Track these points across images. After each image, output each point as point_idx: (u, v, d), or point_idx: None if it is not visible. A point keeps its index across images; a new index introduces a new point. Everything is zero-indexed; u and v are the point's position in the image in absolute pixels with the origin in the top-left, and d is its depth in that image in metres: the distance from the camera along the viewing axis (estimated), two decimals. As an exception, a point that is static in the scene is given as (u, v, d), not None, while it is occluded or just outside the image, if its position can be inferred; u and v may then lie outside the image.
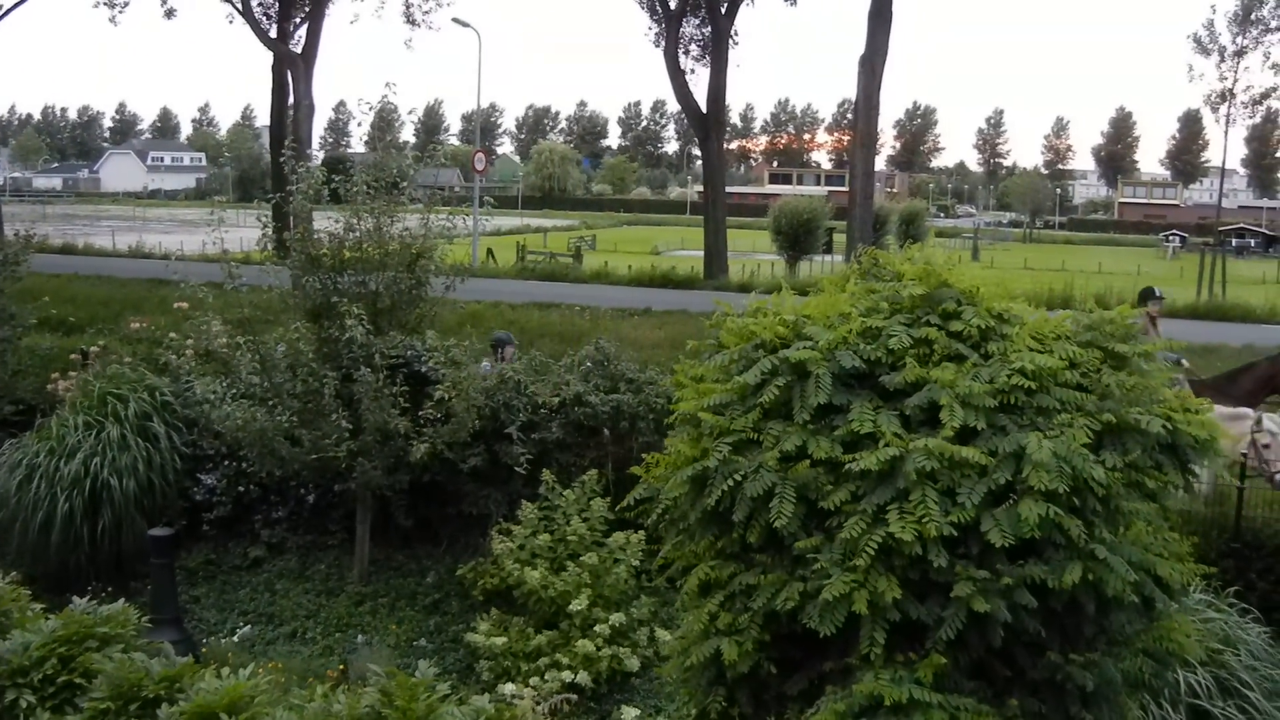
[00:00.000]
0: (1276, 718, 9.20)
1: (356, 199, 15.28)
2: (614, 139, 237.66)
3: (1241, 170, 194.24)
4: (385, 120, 18.26)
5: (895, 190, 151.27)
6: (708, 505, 6.76)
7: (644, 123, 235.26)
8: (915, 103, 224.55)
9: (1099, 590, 6.33)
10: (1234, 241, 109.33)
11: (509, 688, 11.73)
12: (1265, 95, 45.32)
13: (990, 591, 6.18)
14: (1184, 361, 17.03)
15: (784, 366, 6.89)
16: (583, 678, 12.18)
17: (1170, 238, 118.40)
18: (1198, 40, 45.60)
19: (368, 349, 14.30)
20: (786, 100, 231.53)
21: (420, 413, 14.44)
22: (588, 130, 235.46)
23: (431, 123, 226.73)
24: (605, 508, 13.45)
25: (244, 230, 19.72)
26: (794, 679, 6.81)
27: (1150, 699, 7.20)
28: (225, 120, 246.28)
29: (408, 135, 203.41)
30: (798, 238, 55.95)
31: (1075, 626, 6.58)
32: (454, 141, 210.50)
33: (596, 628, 12.56)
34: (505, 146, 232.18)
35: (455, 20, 55.22)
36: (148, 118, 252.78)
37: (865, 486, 6.44)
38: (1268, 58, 44.60)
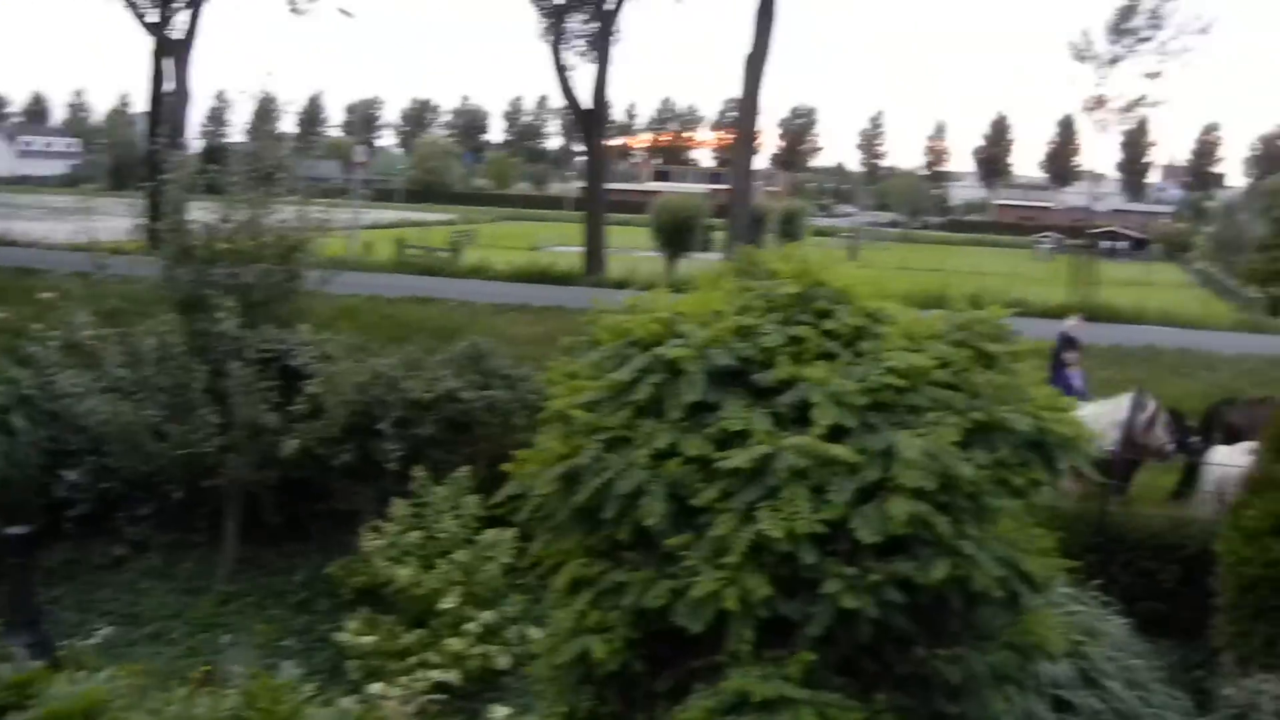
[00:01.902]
0: (1135, 706, 9.37)
1: (232, 190, 15.07)
2: (497, 134, 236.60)
3: (1114, 174, 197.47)
4: (264, 109, 18.08)
5: (776, 189, 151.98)
6: (578, 503, 6.73)
7: (527, 118, 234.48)
8: (798, 103, 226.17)
9: (966, 586, 6.39)
10: (1106, 244, 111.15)
11: (377, 687, 11.58)
12: (1137, 102, 46.26)
13: (859, 588, 6.22)
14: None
15: (657, 364, 6.87)
16: (452, 676, 12.07)
17: (1044, 239, 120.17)
18: (1075, 48, 46.51)
19: (239, 343, 14.12)
20: (670, 98, 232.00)
21: (291, 408, 14.27)
22: (470, 124, 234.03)
23: (312, 113, 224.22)
24: (477, 505, 13.33)
25: (116, 220, 19.37)
26: (663, 677, 6.79)
27: (1015, 691, 7.25)
28: (102, 106, 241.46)
29: (288, 126, 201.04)
30: (677, 235, 55.96)
31: (942, 622, 6.64)
32: (335, 133, 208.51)
33: (467, 626, 12.47)
34: (387, 139, 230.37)
35: (340, 10, 54.58)
36: (18, 101, 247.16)
37: (736, 484, 6.44)
38: (1140, 66, 45.78)
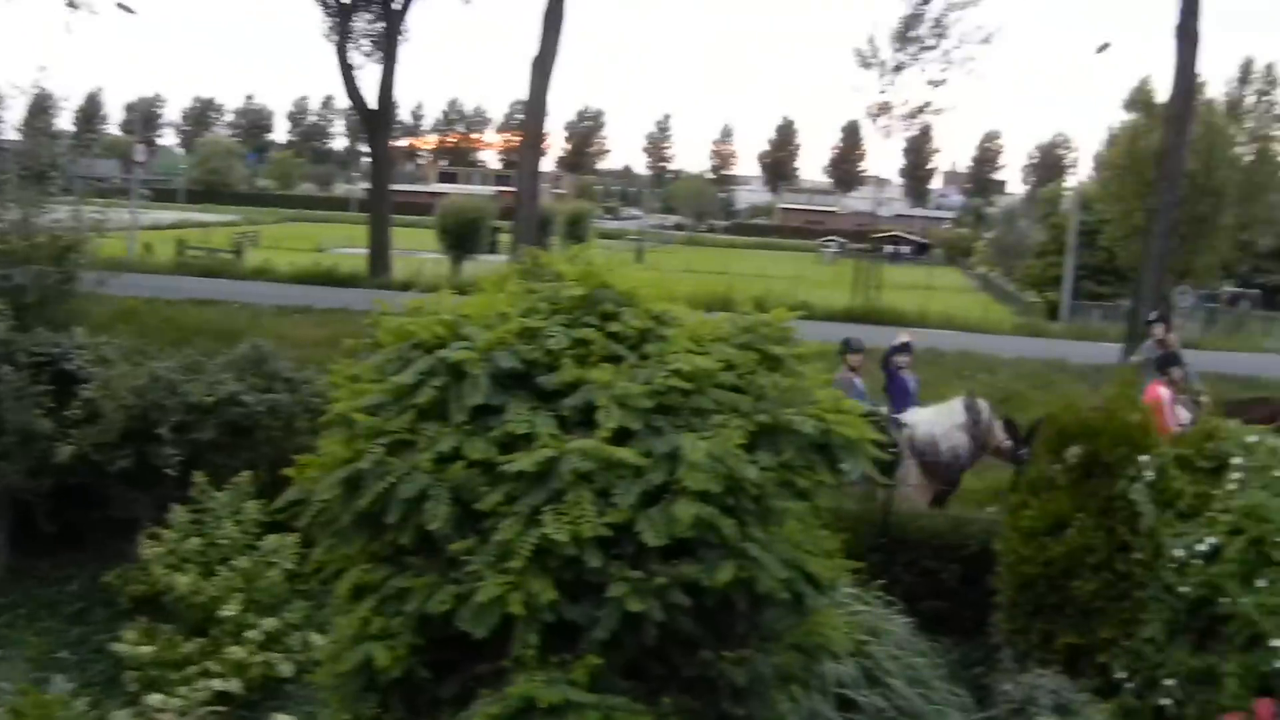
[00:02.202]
0: (917, 703, 9.53)
1: (3, 188, 14.57)
2: (281, 133, 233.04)
3: (898, 180, 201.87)
4: (38, 106, 17.53)
5: (563, 191, 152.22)
6: (360, 508, 6.59)
7: (312, 118, 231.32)
8: (585, 105, 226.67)
9: (751, 588, 6.41)
10: (889, 248, 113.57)
11: (156, 698, 11.26)
12: (921, 109, 47.27)
13: (644, 591, 6.19)
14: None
15: (441, 367, 6.77)
16: (234, 685, 11.78)
17: (829, 243, 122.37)
18: (861, 54, 47.33)
19: (10, 346, 13.62)
20: (457, 99, 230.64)
21: (66, 413, 13.82)
22: (254, 124, 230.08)
23: (90, 111, 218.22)
24: (259, 510, 13.04)
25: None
26: (448, 683, 6.69)
27: (800, 691, 7.32)
28: None
29: (64, 123, 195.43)
30: (463, 237, 55.69)
31: (728, 624, 6.66)
32: (114, 131, 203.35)
33: (248, 633, 12.19)
34: (168, 138, 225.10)
35: (120, 5, 53.11)
36: None
37: (521, 488, 6.38)
38: (924, 73, 46.74)
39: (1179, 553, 9.97)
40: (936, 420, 16.11)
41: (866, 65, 47.22)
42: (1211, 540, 9.90)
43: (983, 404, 16.01)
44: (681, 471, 6.33)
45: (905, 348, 18.12)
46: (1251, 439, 10.71)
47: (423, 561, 6.64)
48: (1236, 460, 10.39)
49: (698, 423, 6.68)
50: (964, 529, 12.99)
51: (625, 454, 6.37)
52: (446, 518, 6.38)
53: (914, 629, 10.42)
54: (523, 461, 6.35)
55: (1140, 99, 56.72)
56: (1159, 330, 20.61)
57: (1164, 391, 16.32)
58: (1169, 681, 9.84)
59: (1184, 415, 16.11)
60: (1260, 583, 9.62)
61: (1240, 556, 9.76)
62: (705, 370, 6.80)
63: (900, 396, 17.33)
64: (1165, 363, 17.40)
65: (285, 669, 12.14)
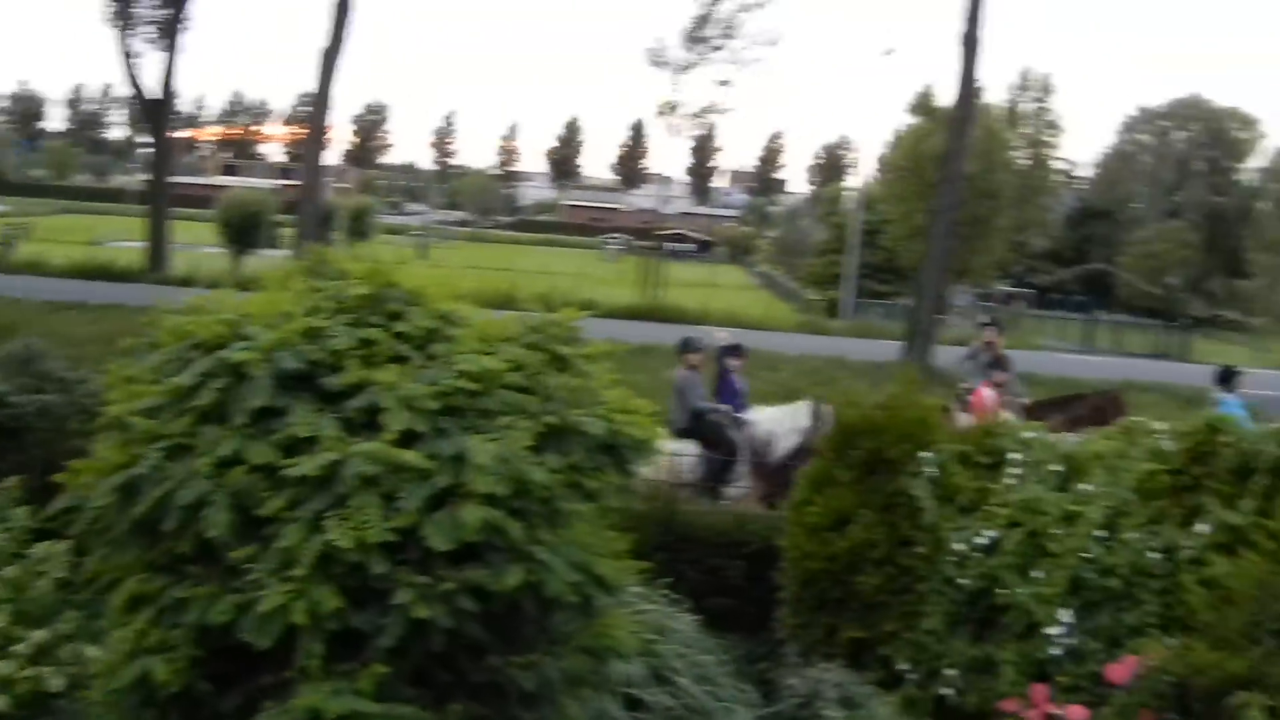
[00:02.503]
0: (704, 700, 9.57)
1: None
2: (57, 121, 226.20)
3: (684, 179, 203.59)
4: None
5: (347, 186, 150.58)
6: (137, 515, 6.35)
7: (90, 106, 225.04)
8: (370, 99, 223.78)
9: (540, 592, 6.35)
10: (673, 246, 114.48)
11: (-85, 717, 10.82)
12: (708, 109, 47.75)
13: (431, 598, 6.09)
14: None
15: (221, 368, 6.56)
16: (1, 702, 11.38)
17: (613, 240, 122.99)
18: (651, 54, 47.57)
19: None
20: (241, 91, 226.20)
21: None
22: (27, 111, 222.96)
23: None
24: (28, 516, 12.58)
25: None
26: (230, 695, 6.49)
27: (589, 694, 7.29)
28: None
29: None
30: (245, 231, 54.70)
31: (517, 629, 6.59)
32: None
33: (16, 647, 11.75)
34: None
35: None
36: None
37: (304, 493, 6.21)
38: (713, 73, 47.29)
39: (959, 546, 10.21)
40: (779, 421, 16.31)
41: (657, 64, 47.56)
42: (990, 533, 10.17)
43: (827, 410, 16.25)
44: (468, 474, 6.23)
45: (736, 349, 18.35)
46: (1028, 435, 11.01)
47: (203, 570, 6.43)
48: (1014, 455, 10.67)
49: (485, 424, 6.59)
50: (748, 526, 13.08)
51: (411, 457, 6.25)
52: (227, 525, 6.19)
53: (700, 626, 10.45)
54: (306, 465, 6.18)
55: (923, 103, 58.16)
56: (989, 334, 21.17)
57: (989, 394, 16.74)
58: (950, 671, 10.07)
59: (1009, 418, 16.53)
60: (1036, 574, 9.93)
61: (1017, 549, 10.04)
62: (493, 371, 6.72)
63: (729, 397, 17.51)
64: (992, 366, 17.88)
65: (56, 683, 11.69)
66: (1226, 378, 18.84)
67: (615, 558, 7.14)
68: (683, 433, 16.70)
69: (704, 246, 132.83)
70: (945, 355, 35.16)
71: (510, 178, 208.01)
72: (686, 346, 17.75)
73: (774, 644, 11.50)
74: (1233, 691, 8.37)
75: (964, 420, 14.89)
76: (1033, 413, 18.07)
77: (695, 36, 46.53)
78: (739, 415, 16.83)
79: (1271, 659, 8.62)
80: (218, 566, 6.34)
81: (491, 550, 6.27)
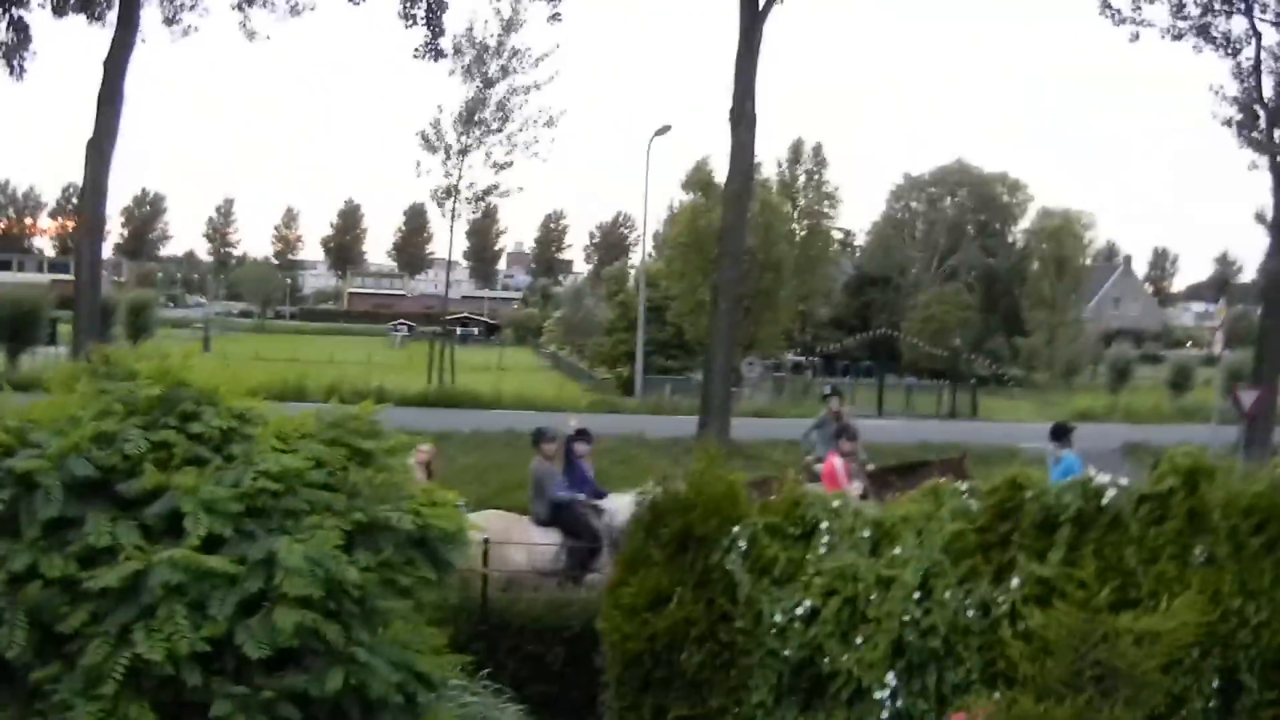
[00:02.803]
0: None
1: None
2: None
3: (464, 262, 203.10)
4: None
5: (123, 279, 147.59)
6: (-76, 639, 5.97)
7: None
8: (144, 189, 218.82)
9: (363, 694, 6.14)
10: (459, 330, 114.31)
11: None
12: (487, 192, 47.80)
13: (251, 707, 5.83)
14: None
15: (8, 478, 6.22)
16: None
17: (398, 327, 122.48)
18: (425, 138, 47.50)
19: None
20: (7, 182, 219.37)
21: None
22: None
23: None
24: None
25: None
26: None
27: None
28: None
29: None
30: (18, 328, 52.96)
31: (340, 732, 6.33)
32: None
33: None
34: None
35: None
36: None
37: (107, 605, 5.89)
38: (489, 157, 47.31)
39: (778, 618, 10.16)
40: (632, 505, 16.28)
41: (432, 149, 47.51)
42: (808, 603, 10.14)
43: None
44: (279, 577, 5.99)
45: (584, 435, 18.23)
46: (835, 503, 11.03)
47: (3, 693, 6.06)
48: (824, 524, 10.68)
49: (291, 525, 6.36)
50: (564, 610, 12.98)
51: (218, 562, 5.98)
52: (25, 643, 5.85)
53: (524, 715, 10.29)
54: (107, 577, 5.87)
55: (699, 179, 58.91)
56: (834, 404, 21.44)
57: (839, 462, 16.82)
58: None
59: (857, 486, 16.61)
60: (857, 639, 9.94)
61: (836, 616, 10.04)
62: (294, 469, 6.50)
63: (580, 483, 17.35)
64: (840, 434, 18.01)
65: None
66: (1061, 433, 19.30)
67: (435, 653, 6.97)
68: (544, 523, 16.59)
69: (490, 330, 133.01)
70: (741, 428, 35.49)
71: (290, 266, 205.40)
72: (541, 436, 17.66)
73: (602, 728, 11.35)
74: (1060, 740, 8.44)
75: (814, 491, 14.98)
76: (877, 479, 18.26)
77: (471, 120, 46.59)
78: (596, 503, 16.72)
79: (1094, 705, 8.72)
80: (19, 688, 5.98)
81: (309, 654, 6.03)
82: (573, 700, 12.01)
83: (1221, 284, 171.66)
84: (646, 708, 10.58)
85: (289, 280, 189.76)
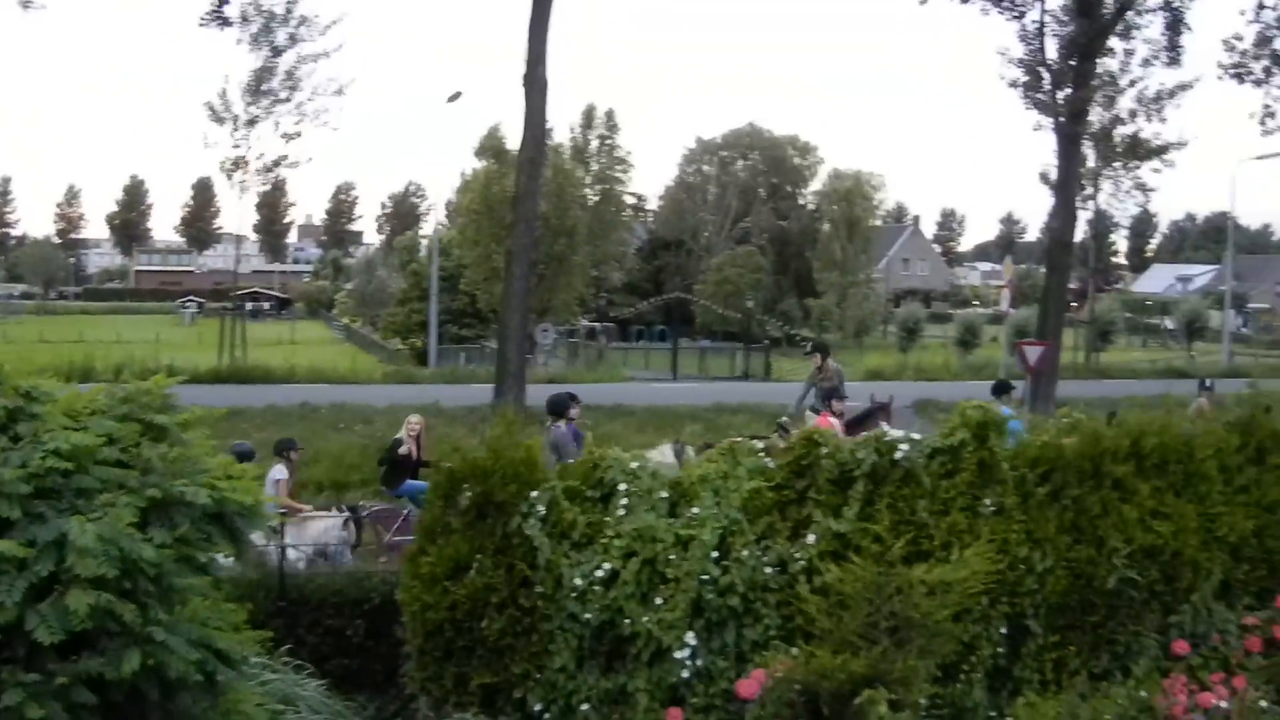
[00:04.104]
0: None
1: None
2: None
3: (254, 236, 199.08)
4: None
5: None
6: None
7: None
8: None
9: (162, 674, 6.05)
10: (250, 305, 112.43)
11: None
12: (276, 163, 46.75)
13: (44, 694, 5.71)
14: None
15: None
16: None
17: (187, 304, 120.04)
18: (212, 109, 46.28)
19: None
20: None
21: None
22: None
23: None
24: None
25: None
26: None
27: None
28: None
29: None
30: None
31: (140, 715, 6.24)
32: None
33: None
34: None
35: None
36: None
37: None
38: (278, 127, 46.28)
39: (578, 581, 10.21)
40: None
41: (219, 120, 46.47)
42: (607, 566, 10.22)
43: (689, 448, 16.24)
44: (71, 558, 5.87)
45: (574, 398, 18.37)
46: (634, 465, 11.10)
47: None
48: (623, 486, 10.76)
49: (83, 504, 6.24)
50: (364, 583, 12.89)
51: (6, 546, 5.85)
52: None
53: (327, 690, 10.22)
54: None
55: (491, 146, 58.58)
56: (818, 360, 21.53)
57: (835, 422, 16.86)
58: (583, 706, 10.11)
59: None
60: (657, 600, 10.06)
61: (636, 578, 10.14)
62: (86, 447, 6.37)
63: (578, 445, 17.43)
64: (829, 396, 18.09)
65: None
66: (1001, 389, 20.27)
67: (234, 630, 6.89)
68: None
69: (282, 304, 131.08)
70: (537, 394, 35.55)
71: (73, 245, 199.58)
72: (572, 401, 18.02)
73: (404, 700, 11.31)
74: (858, 691, 8.65)
75: None
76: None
77: (258, 90, 45.69)
78: None
79: (889, 656, 8.97)
80: None
81: (105, 636, 5.93)
82: (375, 673, 11.96)
83: (1007, 243, 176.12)
84: (449, 677, 10.56)
85: (72, 260, 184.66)
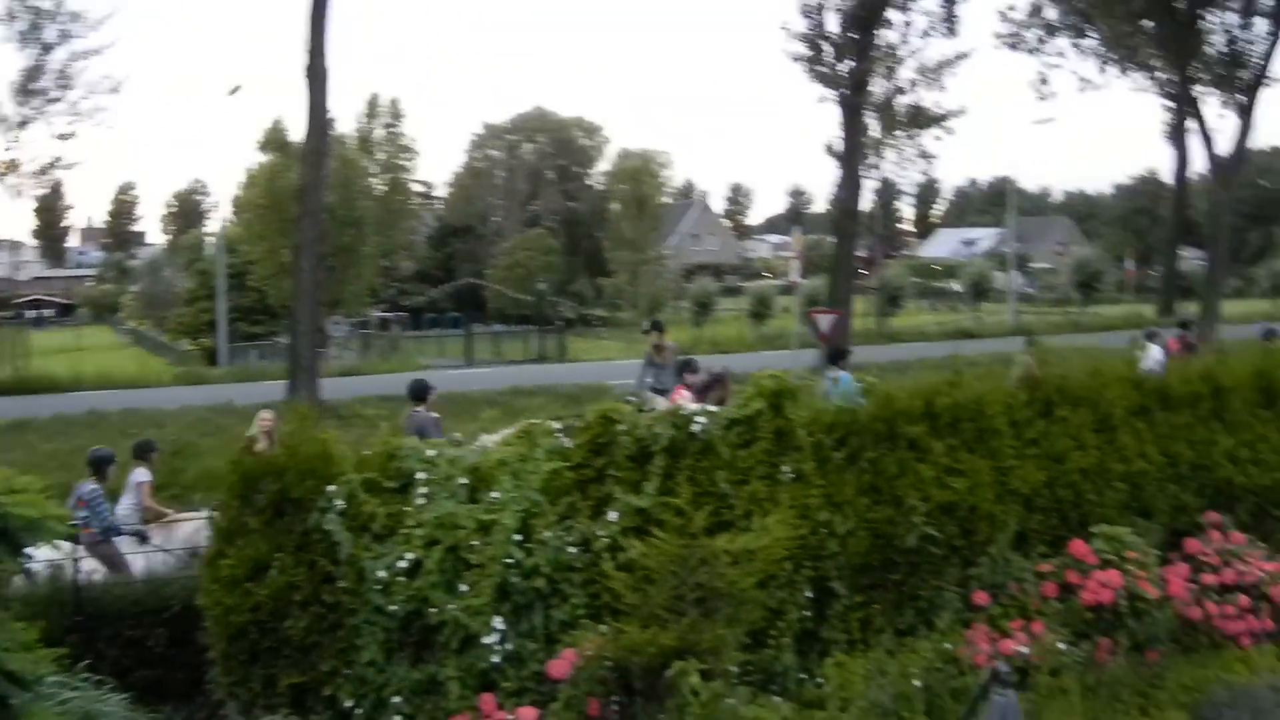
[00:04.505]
0: None
1: None
2: None
3: (33, 242, 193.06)
4: None
5: None
6: None
7: None
8: None
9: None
10: (31, 313, 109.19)
11: None
12: (51, 165, 45.23)
13: None
14: None
15: None
16: None
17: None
18: (-22, 112, 44.68)
19: None
20: None
21: None
22: None
23: None
24: None
25: None
26: None
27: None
28: None
29: None
30: None
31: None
32: None
33: None
34: None
35: None
36: None
37: None
38: (52, 126, 44.83)
39: (381, 574, 10.16)
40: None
41: (-14, 121, 44.85)
42: (410, 556, 10.18)
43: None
44: None
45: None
46: (431, 453, 11.04)
47: None
48: (421, 475, 10.71)
49: None
50: (162, 591, 12.60)
51: None
52: None
53: (130, 703, 9.95)
54: None
55: (274, 139, 57.58)
56: (655, 337, 21.35)
57: (688, 395, 16.71)
58: (395, 699, 10.06)
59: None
60: (462, 587, 10.09)
61: (439, 566, 10.14)
62: None
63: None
64: (684, 368, 17.97)
65: None
66: (838, 356, 20.55)
67: (26, 649, 6.68)
68: None
69: (65, 310, 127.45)
70: (331, 388, 35.13)
71: None
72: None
73: (212, 707, 11.09)
74: (669, 663, 8.73)
75: None
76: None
77: (29, 89, 44.23)
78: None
79: (697, 627, 9.07)
80: None
81: (-115, 664, 5.71)
82: (179, 682, 11.71)
83: (795, 215, 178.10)
84: (256, 679, 10.41)
85: None
